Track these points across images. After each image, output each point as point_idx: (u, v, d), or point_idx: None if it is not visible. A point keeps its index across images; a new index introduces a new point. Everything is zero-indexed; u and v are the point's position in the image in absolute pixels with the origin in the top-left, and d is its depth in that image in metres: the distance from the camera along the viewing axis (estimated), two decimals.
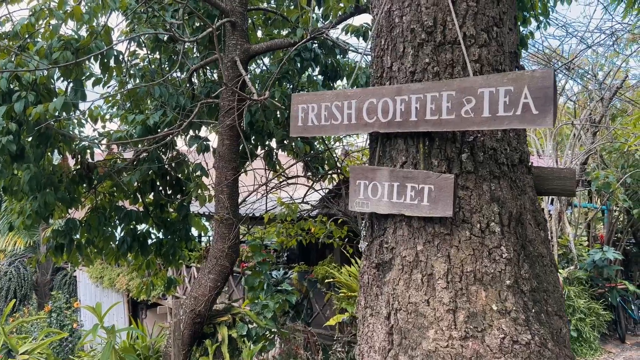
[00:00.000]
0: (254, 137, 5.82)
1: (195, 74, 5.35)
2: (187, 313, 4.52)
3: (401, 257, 2.28)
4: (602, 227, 12.34)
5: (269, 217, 5.69)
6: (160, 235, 6.29)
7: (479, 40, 2.30)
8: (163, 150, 5.91)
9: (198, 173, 5.46)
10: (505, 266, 2.15)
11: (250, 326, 4.86)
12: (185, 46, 5.53)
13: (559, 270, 8.86)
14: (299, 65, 4.93)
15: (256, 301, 5.47)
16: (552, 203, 9.70)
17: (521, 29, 5.62)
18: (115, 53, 4.22)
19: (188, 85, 5.28)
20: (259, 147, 6.01)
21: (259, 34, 6.05)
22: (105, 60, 4.14)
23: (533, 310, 2.18)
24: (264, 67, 6.28)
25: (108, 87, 5.32)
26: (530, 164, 2.56)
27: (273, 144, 5.91)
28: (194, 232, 7.35)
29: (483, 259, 2.15)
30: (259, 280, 4.90)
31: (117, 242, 5.70)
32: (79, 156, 5.50)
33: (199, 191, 5.24)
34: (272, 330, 5.01)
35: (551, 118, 1.90)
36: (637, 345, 9.65)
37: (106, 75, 4.41)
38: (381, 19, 2.49)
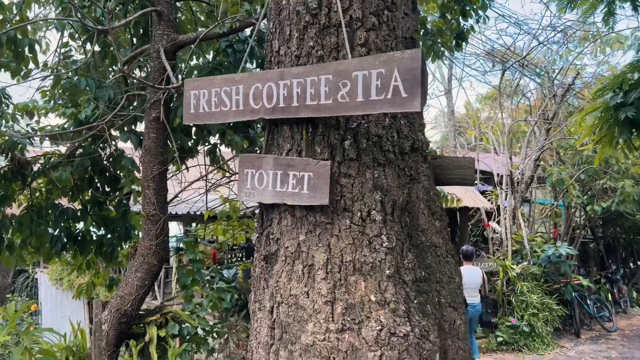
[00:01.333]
0: (195, 132, 5.68)
1: (128, 66, 5.18)
2: (113, 312, 4.37)
3: (284, 248, 2.19)
4: (560, 223, 12.53)
5: (208, 214, 5.56)
6: (102, 232, 6.12)
7: (366, 24, 2.23)
8: (101, 146, 5.74)
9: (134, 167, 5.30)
10: (386, 255, 2.08)
11: (183, 325, 4.73)
12: (119, 38, 5.36)
13: (513, 266, 8.94)
14: (232, 57, 4.82)
15: (205, 300, 5.36)
16: (506, 199, 9.79)
17: (462, 22, 5.62)
18: (30, 42, 4.05)
19: (121, 77, 5.12)
20: (201, 143, 5.87)
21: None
22: (20, 50, 3.97)
23: (415, 301, 2.12)
24: (207, 60, 6.15)
25: (42, 79, 5.14)
26: (426, 152, 2.50)
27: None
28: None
29: (363, 248, 2.08)
30: (192, 278, 4.78)
31: (50, 241, 5.50)
32: (9, 152, 5.29)
33: (132, 187, 5.08)
34: (207, 329, 4.90)
35: (419, 101, 1.84)
36: (591, 339, 9.79)
37: (21, 64, 4.23)
38: (270, 1, 2.40)
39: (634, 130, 4.91)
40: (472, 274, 6.96)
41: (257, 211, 2.43)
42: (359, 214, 2.10)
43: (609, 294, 12.37)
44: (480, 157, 11.51)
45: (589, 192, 10.53)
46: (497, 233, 9.76)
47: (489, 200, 10.33)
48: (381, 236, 2.10)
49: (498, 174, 10.28)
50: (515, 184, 9.75)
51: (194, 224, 10.81)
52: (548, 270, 10.16)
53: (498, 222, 9.82)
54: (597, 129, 5.08)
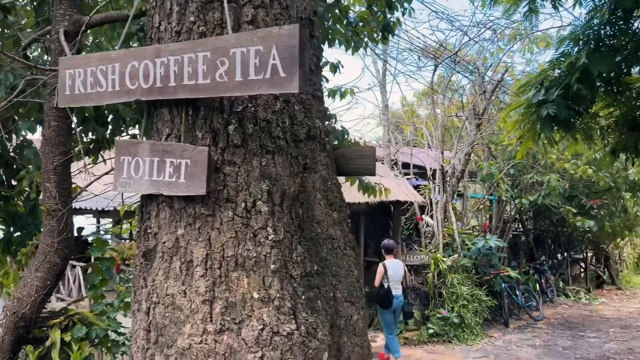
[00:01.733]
0: (111, 120, 5.33)
1: (29, 50, 4.78)
2: (9, 316, 4.01)
3: (162, 244, 2.00)
4: (492, 216, 12.90)
5: (124, 210, 5.25)
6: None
7: (255, 0, 2.06)
8: (6, 136, 5.29)
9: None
10: (272, 249, 1.93)
11: (92, 328, 4.43)
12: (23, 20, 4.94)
13: (444, 259, 9.08)
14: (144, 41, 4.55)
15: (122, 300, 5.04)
16: (439, 193, 9.95)
17: (388, 15, 5.55)
18: None
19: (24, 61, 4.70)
20: (118, 132, 5.52)
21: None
22: None
23: (304, 297, 1.98)
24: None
25: None
26: (325, 140, 2.37)
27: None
28: None
29: (246, 241, 1.92)
30: (101, 277, 4.47)
31: None
32: None
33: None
34: (119, 331, 4.61)
35: (297, 82, 1.69)
36: (519, 328, 10.12)
37: None
38: None
39: (554, 126, 5.04)
40: (395, 267, 7.12)
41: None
42: (243, 204, 1.94)
43: (537, 284, 12.88)
44: (415, 152, 11.66)
45: (518, 186, 10.87)
46: (429, 226, 9.90)
47: (422, 194, 10.46)
48: (267, 228, 1.94)
49: (431, 169, 10.43)
50: (447, 178, 9.92)
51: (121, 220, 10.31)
52: (479, 263, 10.42)
53: (431, 216, 9.96)
54: (521, 125, 5.17)
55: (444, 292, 8.98)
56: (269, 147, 2.03)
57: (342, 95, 5.42)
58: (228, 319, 1.86)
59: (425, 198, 10.38)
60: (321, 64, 4.79)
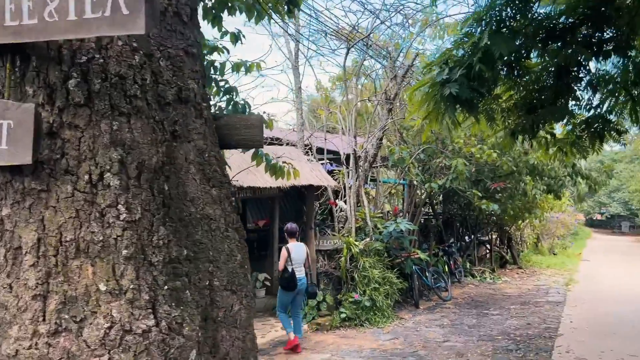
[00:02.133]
0: None
1: None
2: None
3: None
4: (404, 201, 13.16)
5: None
6: None
7: None
8: None
9: None
10: (124, 231, 1.60)
11: None
12: None
13: (356, 243, 9.05)
14: None
15: None
16: (350, 177, 9.91)
17: None
18: None
19: None
20: None
21: None
22: None
23: (167, 287, 1.67)
24: None
25: None
26: (203, 105, 2.06)
27: None
28: None
29: (91, 222, 1.57)
30: None
31: None
32: None
33: None
34: None
35: (143, 21, 1.37)
36: (428, 309, 10.38)
37: None
38: None
39: (458, 106, 5.04)
40: (298, 250, 7.25)
41: None
42: (86, 177, 1.59)
43: (446, 266, 13.35)
44: (329, 137, 11.56)
45: (427, 171, 11.11)
46: (343, 211, 9.86)
47: (336, 179, 10.39)
48: (118, 206, 1.60)
49: (345, 154, 10.38)
50: (360, 163, 9.91)
51: None
52: (390, 246, 10.54)
53: (345, 201, 9.91)
54: (425, 105, 5.13)
55: (356, 276, 8.97)
56: (122, 108, 1.68)
57: (248, 70, 5.08)
58: (66, 317, 1.51)
59: (339, 183, 10.32)
60: (220, 31, 4.42)
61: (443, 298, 11.25)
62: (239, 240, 2.12)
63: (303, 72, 9.75)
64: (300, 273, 7.16)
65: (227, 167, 2.29)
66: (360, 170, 9.81)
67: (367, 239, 9.38)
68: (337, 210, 10.02)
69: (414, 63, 9.99)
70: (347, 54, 9.76)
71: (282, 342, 7.82)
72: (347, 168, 10.03)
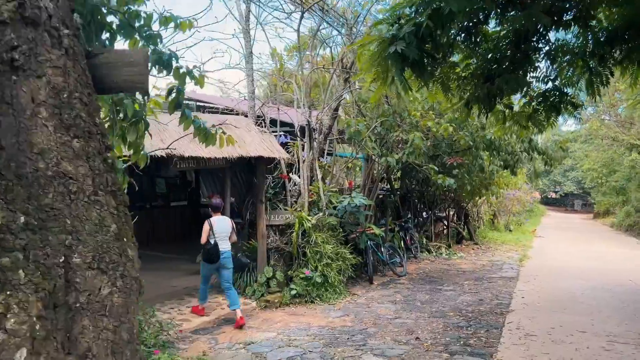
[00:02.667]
0: None
1: None
2: None
3: None
4: (361, 175, 12.88)
5: None
6: None
7: None
8: None
9: None
10: None
11: None
12: None
13: (308, 218, 8.72)
14: None
15: None
16: (303, 149, 9.51)
17: None
18: None
19: None
20: None
21: None
22: None
23: None
24: None
25: None
26: (62, 32, 1.60)
27: None
28: None
29: None
30: None
31: None
32: None
33: None
34: None
35: None
36: (382, 285, 10.22)
37: None
38: None
39: (405, 67, 4.67)
40: (221, 223, 7.27)
41: None
42: None
43: (402, 242, 13.26)
44: (284, 108, 11.09)
45: (384, 145, 10.82)
46: (296, 185, 9.48)
47: (290, 152, 9.98)
48: None
49: (299, 125, 9.96)
50: (315, 135, 9.51)
51: None
52: (345, 221, 10.27)
53: (299, 175, 9.53)
54: (374, 65, 4.75)
55: (308, 251, 8.66)
56: None
57: (179, 27, 4.55)
58: None
59: (293, 156, 9.91)
60: None
61: (398, 274, 11.13)
62: (115, 207, 1.70)
63: (254, 37, 9.17)
64: (223, 246, 7.21)
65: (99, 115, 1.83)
66: (314, 143, 9.41)
67: (320, 214, 9.05)
68: (290, 185, 9.63)
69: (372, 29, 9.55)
70: (301, 18, 9.25)
71: (227, 320, 7.48)
72: (302, 140, 9.61)
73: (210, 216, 7.27)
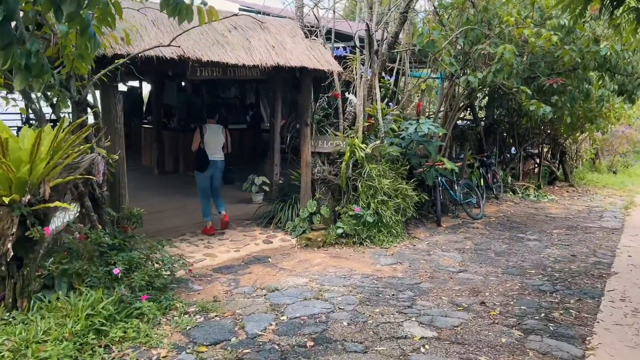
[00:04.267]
0: None
1: None
2: None
3: None
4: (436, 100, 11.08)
5: None
6: None
7: None
8: None
9: None
10: None
11: None
12: None
13: (362, 146, 7.28)
14: None
15: None
16: (363, 65, 7.89)
17: None
18: None
19: None
20: None
21: None
22: None
23: None
24: None
25: None
26: None
27: None
28: None
29: None
30: None
31: None
32: None
33: None
34: None
35: None
36: (451, 228, 8.72)
37: None
38: None
39: None
40: (213, 131, 7.14)
41: None
42: None
43: (482, 179, 11.47)
44: (342, 19, 9.38)
45: (467, 61, 8.89)
46: (352, 106, 7.99)
47: (348, 68, 8.42)
48: None
49: (360, 37, 8.31)
50: (376, 46, 7.83)
51: None
52: (410, 152, 8.73)
53: (356, 94, 8.01)
54: None
55: (359, 185, 7.31)
56: None
57: None
58: None
59: (352, 72, 8.35)
60: None
61: (472, 216, 9.51)
62: None
63: None
64: (215, 156, 7.14)
65: None
66: (376, 55, 7.76)
67: (378, 142, 7.56)
68: (348, 107, 8.15)
69: None
70: None
71: (259, 259, 6.46)
72: (361, 53, 7.98)
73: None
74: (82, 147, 4.27)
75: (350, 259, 6.62)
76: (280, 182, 8.89)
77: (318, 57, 6.96)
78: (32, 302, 3.81)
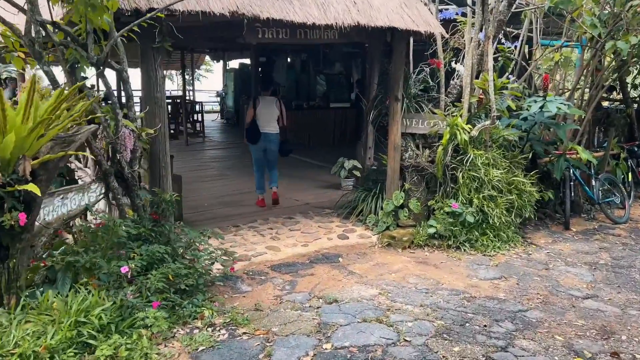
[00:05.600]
0: None
1: None
2: None
3: None
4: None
5: None
6: None
7: None
8: None
9: None
10: None
11: None
12: None
13: (465, 127, 5.86)
14: None
15: None
16: (482, 30, 6.36)
17: None
18: None
19: None
20: None
21: None
22: None
23: None
24: None
25: None
26: None
27: None
28: None
29: None
30: None
31: None
32: None
33: None
34: None
35: None
36: (583, 234, 6.93)
37: None
38: None
39: None
40: (266, 104, 7.01)
41: None
42: None
43: (630, 174, 9.20)
44: None
45: (615, 24, 6.90)
46: (459, 77, 6.54)
47: (458, 33, 6.94)
48: None
49: None
50: (490, 2, 6.25)
51: None
52: (533, 137, 7.05)
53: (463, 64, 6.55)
54: None
55: (460, 175, 5.93)
56: None
57: None
58: None
59: (461, 38, 6.87)
60: None
61: (613, 219, 7.52)
62: None
63: None
64: (267, 128, 6.97)
65: None
66: (491, 14, 6.20)
67: (487, 122, 6.07)
68: (454, 77, 6.71)
69: None
70: None
71: (327, 257, 5.47)
72: (473, 15, 6.47)
73: None
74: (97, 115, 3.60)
75: (439, 267, 5.34)
76: (374, 167, 7.75)
77: (414, 16, 5.66)
78: (21, 299, 3.21)
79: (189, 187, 8.25)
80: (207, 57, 20.94)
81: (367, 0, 5.34)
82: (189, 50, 14.33)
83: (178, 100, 14.78)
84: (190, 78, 21.04)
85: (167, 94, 19.61)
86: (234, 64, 17.84)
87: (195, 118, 14.92)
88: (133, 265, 3.53)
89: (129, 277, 3.49)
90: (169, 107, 15.08)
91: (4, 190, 2.83)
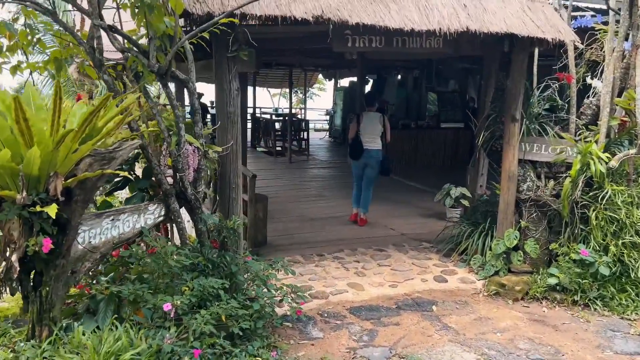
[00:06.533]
0: None
1: None
2: None
3: None
4: None
5: None
6: None
7: None
8: None
9: None
10: None
11: None
12: None
13: (602, 155, 4.72)
14: None
15: None
16: (627, 39, 5.17)
17: None
18: None
19: None
20: None
21: None
22: None
23: None
24: None
25: None
26: None
27: None
28: None
29: None
30: None
31: None
32: None
33: None
34: None
35: None
36: None
37: None
38: None
39: None
40: (370, 119, 6.84)
41: None
42: None
43: None
44: None
45: None
46: (596, 94, 5.37)
47: (596, 43, 5.77)
48: None
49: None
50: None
51: None
52: None
53: (602, 81, 5.37)
54: None
55: (593, 215, 4.77)
56: None
57: None
58: None
59: (601, 50, 5.69)
60: None
61: None
62: None
63: None
64: (371, 144, 6.78)
65: None
66: (638, 16, 5.01)
67: (632, 150, 4.86)
68: (590, 94, 5.56)
69: None
70: None
71: (420, 304, 4.65)
72: (617, 23, 5.30)
73: None
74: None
75: (560, 329, 4.26)
76: (485, 197, 6.73)
77: (539, 21, 4.71)
78: (54, 332, 2.87)
79: (283, 207, 7.86)
80: (320, 76, 20.96)
81: (480, 3, 4.51)
82: (298, 67, 14.23)
83: (285, 118, 14.73)
84: (303, 97, 21.15)
85: (280, 111, 19.90)
86: (345, 82, 17.56)
87: (302, 136, 14.77)
88: (179, 302, 3.05)
89: (171, 315, 3.03)
90: (277, 124, 15.10)
91: (29, 211, 2.50)
